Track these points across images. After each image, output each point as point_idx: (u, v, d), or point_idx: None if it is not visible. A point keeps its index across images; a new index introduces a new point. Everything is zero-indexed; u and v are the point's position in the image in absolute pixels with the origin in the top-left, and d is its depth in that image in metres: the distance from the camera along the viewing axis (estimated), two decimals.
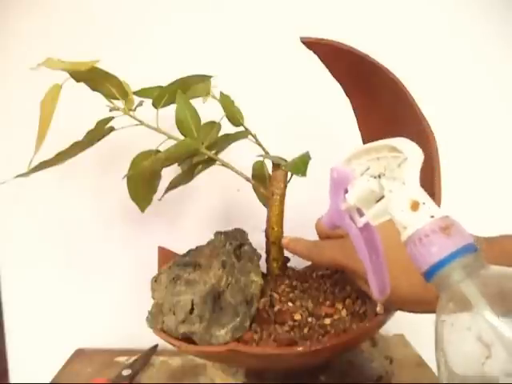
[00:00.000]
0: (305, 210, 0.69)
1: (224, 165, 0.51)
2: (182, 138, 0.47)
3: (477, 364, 0.21)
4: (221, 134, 0.52)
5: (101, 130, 0.47)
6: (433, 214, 0.24)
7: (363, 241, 0.30)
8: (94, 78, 0.44)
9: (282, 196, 0.49)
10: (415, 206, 0.25)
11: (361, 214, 0.30)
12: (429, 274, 0.23)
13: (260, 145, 0.52)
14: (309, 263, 0.58)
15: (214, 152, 0.51)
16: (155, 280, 0.47)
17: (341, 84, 0.50)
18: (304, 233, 0.69)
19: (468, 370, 0.21)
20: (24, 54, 0.64)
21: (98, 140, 0.48)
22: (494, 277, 0.23)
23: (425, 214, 0.24)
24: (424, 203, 0.25)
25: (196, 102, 0.49)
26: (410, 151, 0.27)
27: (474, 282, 0.22)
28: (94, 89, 0.45)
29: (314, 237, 0.69)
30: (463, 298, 0.22)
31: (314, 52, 0.46)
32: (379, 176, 0.28)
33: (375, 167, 0.29)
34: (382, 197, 0.28)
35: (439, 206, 0.40)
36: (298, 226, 0.68)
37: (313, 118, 0.67)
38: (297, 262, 0.53)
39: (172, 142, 0.46)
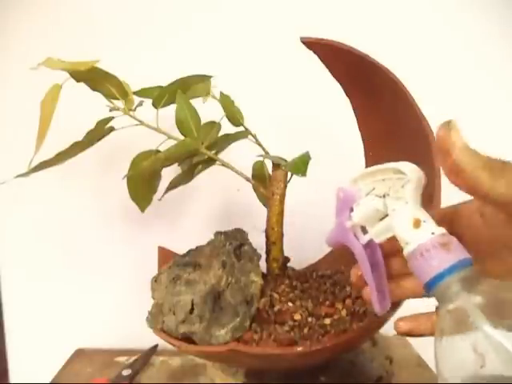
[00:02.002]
0: (305, 210, 0.69)
1: (224, 165, 0.51)
2: (182, 137, 0.47)
3: (471, 372, 0.22)
4: (221, 134, 0.52)
5: (101, 130, 0.47)
6: (433, 231, 0.26)
7: (366, 257, 0.32)
8: (94, 78, 0.44)
9: (282, 196, 0.49)
10: (417, 223, 0.27)
11: (364, 232, 0.32)
12: (429, 286, 0.25)
13: (260, 145, 0.52)
14: (309, 263, 0.58)
15: (214, 152, 0.51)
16: (155, 280, 0.47)
17: (341, 84, 0.50)
18: (304, 233, 0.69)
19: (462, 377, 0.22)
20: (24, 54, 0.64)
21: (98, 140, 0.48)
22: (489, 289, 0.24)
23: (426, 231, 0.26)
24: (425, 221, 0.27)
25: (196, 102, 0.49)
26: (413, 173, 0.29)
27: (471, 293, 0.24)
28: (93, 89, 0.45)
29: (314, 237, 0.69)
30: (461, 308, 0.23)
31: (314, 52, 0.46)
32: (384, 196, 0.30)
33: (380, 188, 0.31)
34: (386, 215, 0.29)
35: (439, 205, 0.40)
36: (298, 226, 0.68)
37: (313, 117, 0.67)
38: (297, 262, 0.54)
39: (172, 142, 0.46)
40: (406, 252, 0.27)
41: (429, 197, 0.41)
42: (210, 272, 0.44)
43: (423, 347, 0.66)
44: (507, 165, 0.25)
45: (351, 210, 0.32)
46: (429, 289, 0.25)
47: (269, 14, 0.66)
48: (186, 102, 0.47)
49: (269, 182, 0.51)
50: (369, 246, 0.32)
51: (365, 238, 0.32)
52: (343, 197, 0.32)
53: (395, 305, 0.41)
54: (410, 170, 0.29)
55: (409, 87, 0.42)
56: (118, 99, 0.46)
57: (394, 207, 0.29)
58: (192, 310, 0.41)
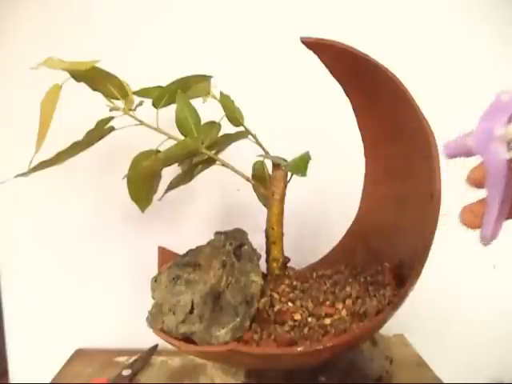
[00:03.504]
0: (304, 210, 0.69)
1: (224, 165, 0.51)
2: (182, 137, 0.47)
3: None
4: (221, 134, 0.52)
5: (101, 130, 0.47)
6: None
7: (504, 174, 0.28)
8: (94, 78, 0.44)
9: (282, 196, 0.49)
10: None
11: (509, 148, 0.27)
12: None
13: (260, 145, 0.52)
14: (309, 263, 0.58)
15: (214, 152, 0.51)
16: (155, 280, 0.47)
17: (341, 84, 0.50)
18: (304, 233, 0.69)
19: None
20: (24, 54, 0.64)
21: (98, 140, 0.48)
22: None
23: None
24: None
25: (196, 102, 0.49)
26: None
27: None
28: (94, 89, 0.45)
29: (314, 237, 0.69)
30: None
31: (314, 52, 0.46)
32: None
33: None
34: None
35: (439, 205, 0.40)
36: (298, 226, 0.68)
37: (313, 117, 0.67)
38: (297, 262, 0.54)
39: (172, 142, 0.46)
40: None
41: (429, 195, 0.41)
42: (210, 272, 0.44)
43: (423, 347, 0.66)
44: None
45: (510, 119, 0.27)
46: None
47: (269, 14, 0.66)
48: (186, 102, 0.47)
49: (269, 181, 0.51)
50: (509, 165, 0.27)
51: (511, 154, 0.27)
52: (507, 100, 0.27)
53: (395, 305, 0.41)
54: None
55: (409, 87, 0.42)
56: (118, 99, 0.46)
57: None
58: (192, 310, 0.41)
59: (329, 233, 0.63)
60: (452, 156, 0.32)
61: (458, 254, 0.71)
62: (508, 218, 0.30)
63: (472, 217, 0.30)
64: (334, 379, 0.46)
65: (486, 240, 0.29)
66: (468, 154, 0.30)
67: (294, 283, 0.48)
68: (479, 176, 0.30)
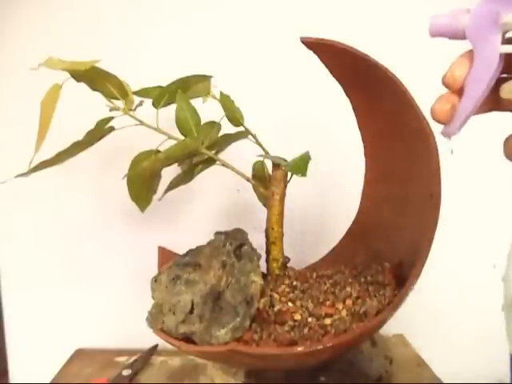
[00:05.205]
0: (304, 209, 0.69)
1: (224, 165, 0.51)
2: (182, 137, 0.47)
3: None
4: (221, 134, 0.52)
5: (101, 130, 0.47)
6: None
7: (495, 68, 0.25)
8: (94, 78, 0.44)
9: (282, 196, 0.49)
10: None
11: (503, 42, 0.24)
12: None
13: (260, 145, 0.52)
14: (309, 263, 0.58)
15: (214, 152, 0.51)
16: (155, 280, 0.47)
17: (341, 84, 0.50)
18: (304, 233, 0.69)
19: None
20: (24, 54, 0.64)
21: (98, 140, 0.48)
22: None
23: None
24: None
25: (196, 102, 0.49)
26: None
27: None
28: (94, 89, 0.45)
29: (314, 237, 0.69)
30: None
31: (314, 52, 0.46)
32: None
33: None
34: None
35: (439, 205, 0.40)
36: (297, 226, 0.68)
37: (313, 117, 0.67)
38: (297, 262, 0.54)
39: (172, 142, 0.46)
40: None
41: (429, 195, 0.41)
42: (210, 272, 0.44)
43: (423, 347, 0.66)
44: None
45: None
46: None
47: (269, 13, 0.66)
48: (186, 102, 0.47)
49: (269, 182, 0.51)
50: (500, 59, 0.25)
51: (508, 48, 0.24)
52: None
53: (395, 305, 0.41)
54: None
55: (409, 87, 0.42)
56: (118, 99, 0.46)
57: None
58: (192, 310, 0.41)
59: (329, 233, 0.63)
60: (438, 33, 0.28)
61: (458, 254, 0.71)
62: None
63: (446, 108, 0.27)
64: (333, 379, 0.46)
65: (450, 135, 0.28)
66: (456, 35, 0.27)
67: (294, 283, 0.48)
68: (463, 73, 0.26)
